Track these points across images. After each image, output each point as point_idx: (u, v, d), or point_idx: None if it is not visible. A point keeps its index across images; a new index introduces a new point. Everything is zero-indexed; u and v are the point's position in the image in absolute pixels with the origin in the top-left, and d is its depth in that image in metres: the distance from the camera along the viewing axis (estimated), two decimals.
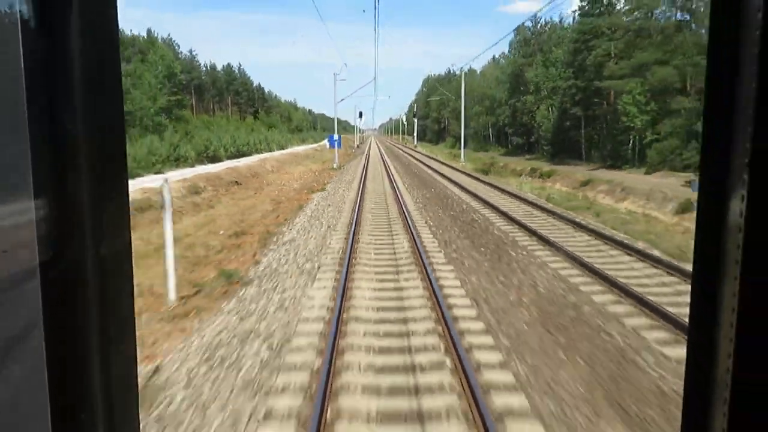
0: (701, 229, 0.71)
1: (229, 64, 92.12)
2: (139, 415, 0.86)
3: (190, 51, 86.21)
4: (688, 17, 33.23)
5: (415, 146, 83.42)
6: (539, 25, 58.26)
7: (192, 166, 35.26)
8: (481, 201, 17.76)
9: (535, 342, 5.95)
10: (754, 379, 0.62)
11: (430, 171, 32.91)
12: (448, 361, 5.38)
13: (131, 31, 55.71)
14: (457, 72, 57.54)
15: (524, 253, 10.28)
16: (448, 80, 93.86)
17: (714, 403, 0.67)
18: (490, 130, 66.20)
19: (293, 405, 4.59)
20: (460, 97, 46.86)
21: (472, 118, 65.29)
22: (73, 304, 0.70)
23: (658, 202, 20.58)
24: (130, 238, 0.81)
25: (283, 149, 65.17)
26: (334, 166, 36.51)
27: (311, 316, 6.81)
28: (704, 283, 0.70)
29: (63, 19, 0.68)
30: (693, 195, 18.30)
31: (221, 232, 13.55)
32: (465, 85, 47.31)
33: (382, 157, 49.91)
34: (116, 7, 0.74)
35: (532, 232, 12.01)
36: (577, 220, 13.76)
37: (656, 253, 9.97)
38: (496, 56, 78.50)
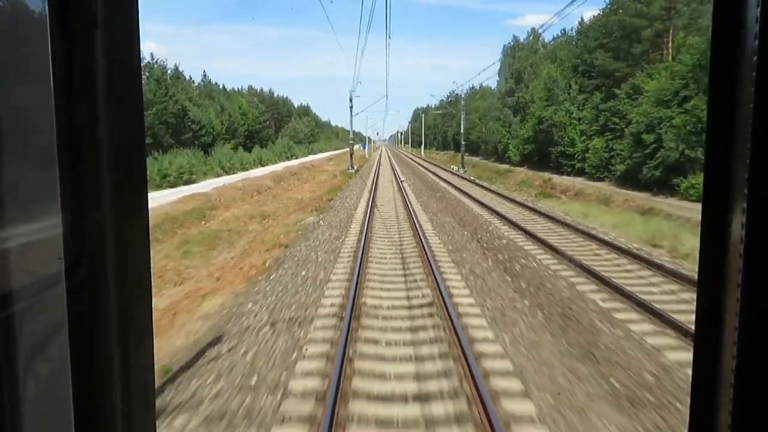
0: (705, 240, 0.73)
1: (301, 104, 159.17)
2: (155, 425, 0.86)
3: (270, 90, 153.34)
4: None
5: (403, 148, 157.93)
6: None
7: (326, 152, 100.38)
8: (413, 160, 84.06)
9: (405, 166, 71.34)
10: (757, 380, 0.65)
11: (402, 154, 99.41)
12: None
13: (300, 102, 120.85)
14: (432, 106, 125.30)
15: (415, 164, 76.06)
16: (425, 111, 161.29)
17: (720, 402, 0.69)
18: (451, 141, 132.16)
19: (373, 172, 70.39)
20: (434, 122, 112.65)
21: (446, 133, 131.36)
22: (93, 313, 0.72)
23: (456, 162, 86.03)
24: (149, 250, 0.82)
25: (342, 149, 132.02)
26: (374, 149, 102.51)
27: (377, 157, 72.40)
28: (709, 290, 0.73)
29: (88, 38, 0.69)
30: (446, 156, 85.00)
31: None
32: (424, 118, 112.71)
33: (387, 150, 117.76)
34: (138, 23, 0.77)
35: (422, 165, 77.42)
36: (427, 159, 79.27)
37: (435, 162, 75.77)
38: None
